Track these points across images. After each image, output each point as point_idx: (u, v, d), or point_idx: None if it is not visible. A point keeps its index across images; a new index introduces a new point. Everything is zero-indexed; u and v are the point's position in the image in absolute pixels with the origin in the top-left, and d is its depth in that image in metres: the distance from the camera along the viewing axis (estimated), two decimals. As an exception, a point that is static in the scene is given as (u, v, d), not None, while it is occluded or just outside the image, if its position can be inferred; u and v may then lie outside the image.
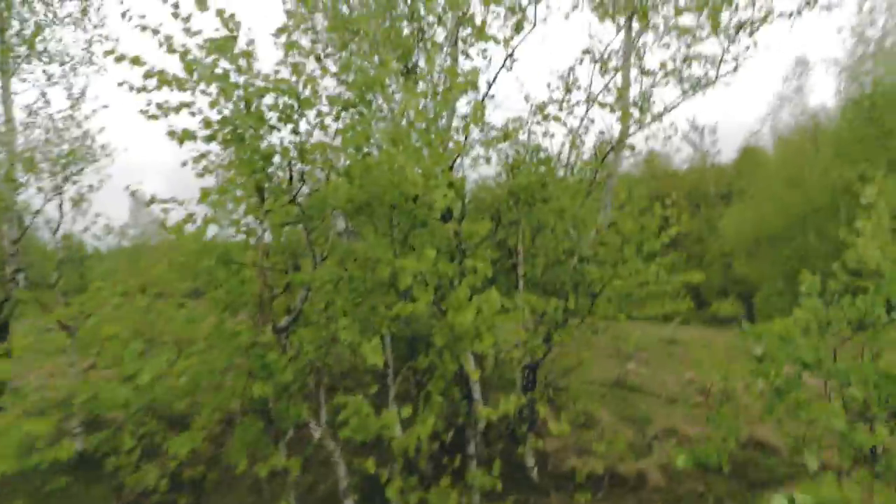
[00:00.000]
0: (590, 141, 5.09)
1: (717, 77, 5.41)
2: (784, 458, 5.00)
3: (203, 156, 3.13)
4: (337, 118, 2.74)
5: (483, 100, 3.83)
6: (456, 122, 3.99)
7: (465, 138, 3.62)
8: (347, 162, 2.63)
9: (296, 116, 2.66)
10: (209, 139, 2.63)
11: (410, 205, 2.55)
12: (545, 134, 4.67)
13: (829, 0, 5.54)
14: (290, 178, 2.68)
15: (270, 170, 2.66)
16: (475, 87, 3.23)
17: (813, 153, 21.51)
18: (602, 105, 4.50)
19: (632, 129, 4.71)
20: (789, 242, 20.62)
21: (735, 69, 5.48)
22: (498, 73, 4.24)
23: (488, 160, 4.25)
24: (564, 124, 4.32)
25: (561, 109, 4.57)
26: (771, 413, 2.44)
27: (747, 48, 5.38)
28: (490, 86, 4.08)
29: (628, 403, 6.92)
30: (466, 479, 3.05)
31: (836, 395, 2.49)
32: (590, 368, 6.90)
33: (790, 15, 5.19)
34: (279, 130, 2.69)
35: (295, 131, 2.72)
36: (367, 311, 2.62)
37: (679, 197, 5.06)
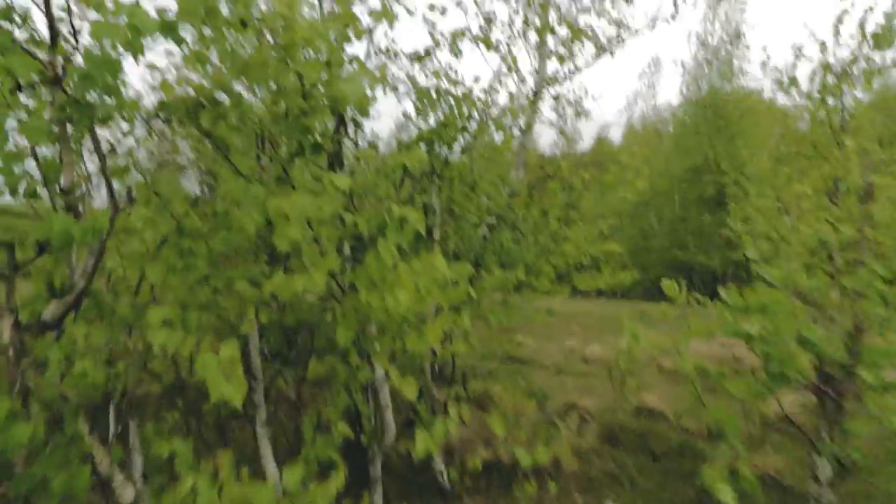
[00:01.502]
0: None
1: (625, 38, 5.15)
2: (673, 424, 5.13)
3: None
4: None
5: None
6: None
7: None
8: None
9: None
10: None
11: (298, 101, 1.51)
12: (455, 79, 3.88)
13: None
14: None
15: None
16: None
17: (657, 145, 24.38)
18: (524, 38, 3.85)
19: (551, 77, 4.16)
20: (633, 222, 23.24)
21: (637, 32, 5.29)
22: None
23: (394, 89, 3.31)
24: (494, 48, 3.54)
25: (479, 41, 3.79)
26: (772, 392, 2.08)
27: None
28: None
29: (522, 377, 6.71)
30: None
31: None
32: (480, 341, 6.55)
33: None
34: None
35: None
36: (213, 293, 1.55)
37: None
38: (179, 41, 1.33)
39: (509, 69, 3.87)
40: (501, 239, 4.04)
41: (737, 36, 19.42)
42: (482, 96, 3.95)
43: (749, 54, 20.36)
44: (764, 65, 5.01)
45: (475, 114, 3.65)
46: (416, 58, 2.94)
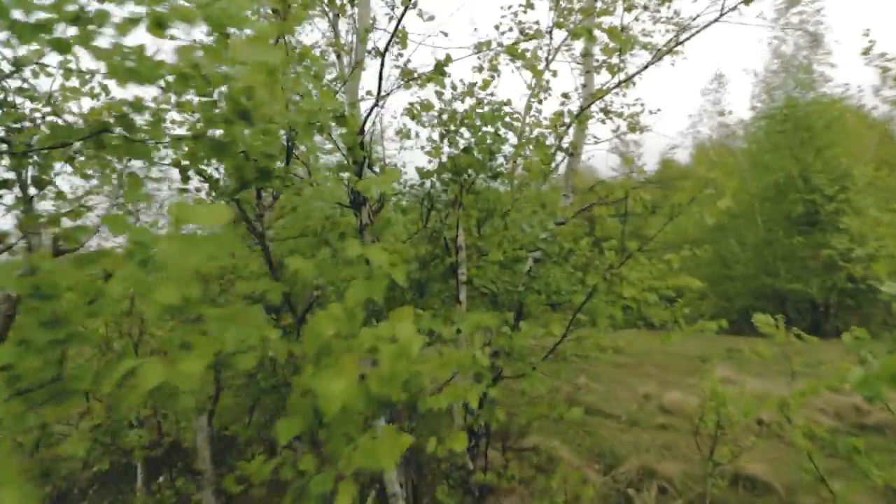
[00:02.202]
0: (547, 109, 3.97)
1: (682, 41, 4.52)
2: (783, 499, 4.10)
3: None
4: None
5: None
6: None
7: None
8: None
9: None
10: None
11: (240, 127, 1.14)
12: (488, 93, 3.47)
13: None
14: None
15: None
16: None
17: (731, 163, 22.53)
18: (567, 48, 3.39)
19: (599, 90, 3.63)
20: (712, 248, 21.19)
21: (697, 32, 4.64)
22: None
23: (415, 116, 2.96)
24: (528, 58, 3.10)
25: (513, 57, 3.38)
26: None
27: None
28: None
29: (586, 430, 5.87)
30: None
31: None
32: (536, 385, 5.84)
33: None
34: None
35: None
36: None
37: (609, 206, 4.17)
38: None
39: (545, 87, 3.42)
40: (548, 276, 3.48)
41: (815, 40, 17.73)
42: (519, 116, 3.50)
43: (830, 59, 18.49)
44: (867, 51, 4.16)
45: (510, 135, 3.21)
46: (437, 66, 2.53)
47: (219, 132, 1.15)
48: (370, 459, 0.88)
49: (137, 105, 1.17)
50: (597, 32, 3.47)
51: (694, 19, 4.04)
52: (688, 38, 3.93)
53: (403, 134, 3.72)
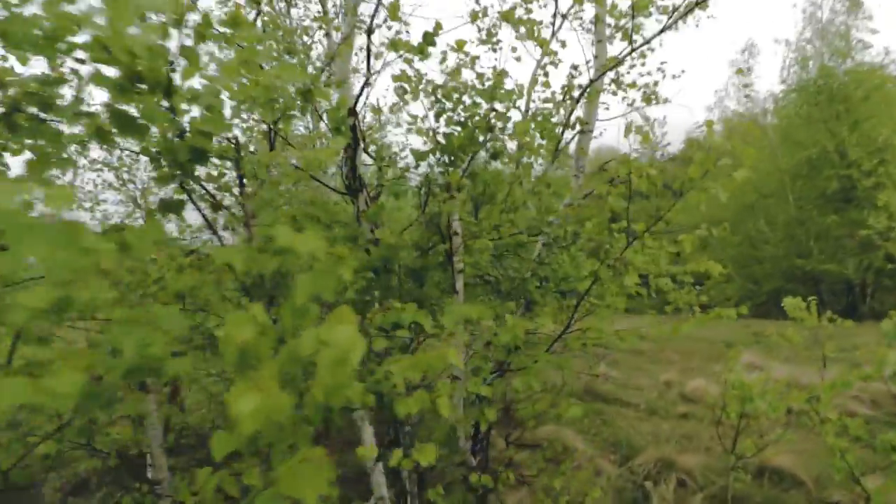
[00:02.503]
0: (556, 82, 3.73)
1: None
2: (811, 494, 3.86)
3: None
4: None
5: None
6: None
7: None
8: None
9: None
10: None
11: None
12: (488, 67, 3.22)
13: None
14: None
15: None
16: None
17: (761, 139, 21.50)
18: (576, 15, 3.11)
19: (615, 59, 3.35)
20: (739, 228, 20.43)
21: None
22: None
23: (408, 93, 2.77)
24: (528, 23, 2.84)
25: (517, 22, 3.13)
26: None
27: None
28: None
29: (604, 420, 5.68)
30: None
31: None
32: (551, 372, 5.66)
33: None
34: None
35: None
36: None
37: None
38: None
39: (553, 58, 3.16)
40: (556, 262, 3.28)
41: (854, 4, 16.56)
42: (516, 90, 3.26)
43: (870, 24, 17.28)
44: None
45: (514, 113, 2.99)
46: (425, 36, 2.28)
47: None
48: (292, 489, 0.73)
49: (54, 80, 1.03)
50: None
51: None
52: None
53: (396, 110, 3.53)
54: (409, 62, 2.85)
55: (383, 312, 1.78)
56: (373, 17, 2.60)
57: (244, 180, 2.54)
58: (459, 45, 2.61)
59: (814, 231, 17.51)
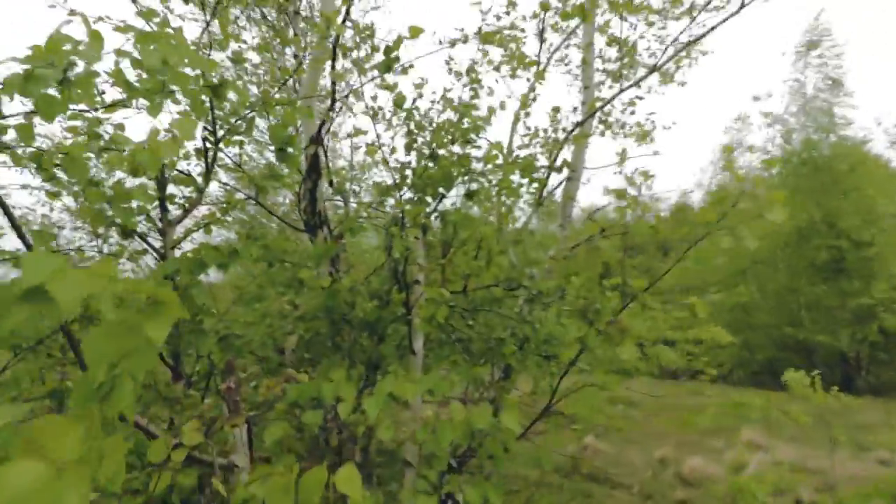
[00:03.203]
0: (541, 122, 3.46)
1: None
2: None
3: None
4: None
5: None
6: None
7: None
8: None
9: None
10: None
11: None
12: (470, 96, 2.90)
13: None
14: None
15: None
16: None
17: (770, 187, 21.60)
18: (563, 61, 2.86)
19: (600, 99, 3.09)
20: (729, 292, 20.17)
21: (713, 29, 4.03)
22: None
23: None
24: (508, 41, 2.55)
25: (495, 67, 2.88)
26: None
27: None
28: None
29: (592, 502, 5.00)
30: None
31: None
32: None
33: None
34: None
35: None
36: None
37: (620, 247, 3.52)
38: None
39: (532, 97, 2.89)
40: (538, 319, 2.84)
41: (835, 83, 17.31)
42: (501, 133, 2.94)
43: (852, 102, 18.01)
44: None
45: (491, 148, 2.65)
46: (386, 52, 1.96)
47: None
48: None
49: None
50: (596, 37, 2.98)
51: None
52: (701, 37, 3.40)
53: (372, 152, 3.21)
54: (388, 88, 2.53)
55: (295, 383, 1.32)
56: (338, 38, 2.31)
57: (166, 204, 2.14)
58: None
59: (805, 300, 17.28)
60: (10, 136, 1.38)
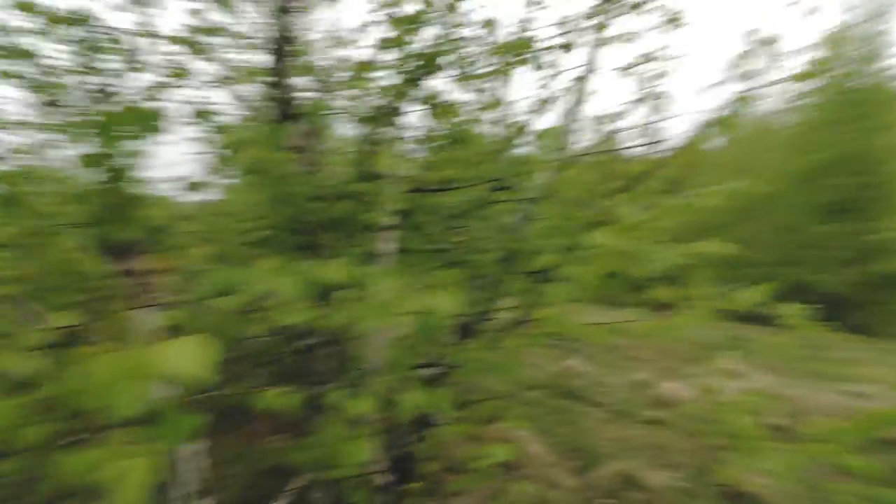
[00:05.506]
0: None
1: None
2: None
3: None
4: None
5: None
6: None
7: None
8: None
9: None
10: None
11: None
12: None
13: None
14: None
15: None
16: None
17: (768, 143, 20.73)
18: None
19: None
20: (732, 231, 19.92)
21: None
22: None
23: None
24: None
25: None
26: None
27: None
28: None
29: (568, 421, 5.14)
30: None
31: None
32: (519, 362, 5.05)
33: None
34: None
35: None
36: None
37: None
38: None
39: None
40: (527, 232, 2.59)
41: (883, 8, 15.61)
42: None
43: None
44: None
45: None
46: None
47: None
48: None
49: None
50: None
51: None
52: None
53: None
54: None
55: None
56: None
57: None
58: None
59: (806, 240, 17.07)
60: None
